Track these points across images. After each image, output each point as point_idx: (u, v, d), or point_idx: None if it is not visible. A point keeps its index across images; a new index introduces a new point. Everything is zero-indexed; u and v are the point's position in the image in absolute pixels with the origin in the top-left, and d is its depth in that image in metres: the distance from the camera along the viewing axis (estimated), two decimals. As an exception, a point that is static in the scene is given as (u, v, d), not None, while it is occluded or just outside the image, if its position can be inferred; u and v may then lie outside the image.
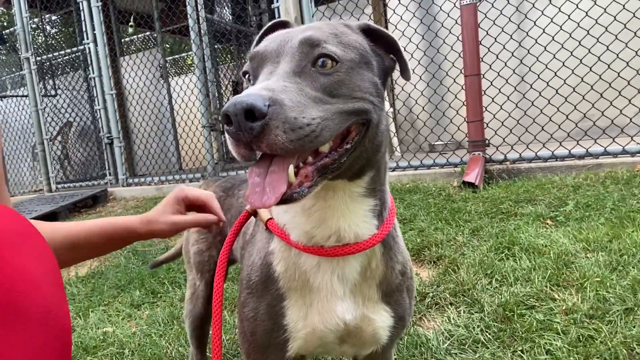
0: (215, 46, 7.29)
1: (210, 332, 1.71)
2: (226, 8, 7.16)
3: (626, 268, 1.99)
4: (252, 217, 1.08)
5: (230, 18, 7.24)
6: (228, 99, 7.84)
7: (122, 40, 8.36)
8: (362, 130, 0.80)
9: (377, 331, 0.97)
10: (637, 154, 3.55)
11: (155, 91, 7.18)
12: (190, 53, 10.67)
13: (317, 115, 0.69)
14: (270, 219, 0.95)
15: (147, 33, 9.09)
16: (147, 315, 2.36)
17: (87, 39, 5.90)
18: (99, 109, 6.08)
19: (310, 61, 0.76)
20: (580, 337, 1.59)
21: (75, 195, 5.86)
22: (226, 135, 0.69)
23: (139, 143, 6.93)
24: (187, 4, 5.40)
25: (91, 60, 5.97)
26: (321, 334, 0.92)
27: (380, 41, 0.88)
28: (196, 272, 1.53)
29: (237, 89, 8.21)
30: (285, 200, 0.69)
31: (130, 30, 7.08)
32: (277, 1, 4.76)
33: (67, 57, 7.45)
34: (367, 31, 0.88)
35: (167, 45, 11.68)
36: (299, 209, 0.88)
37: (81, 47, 6.42)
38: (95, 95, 6.10)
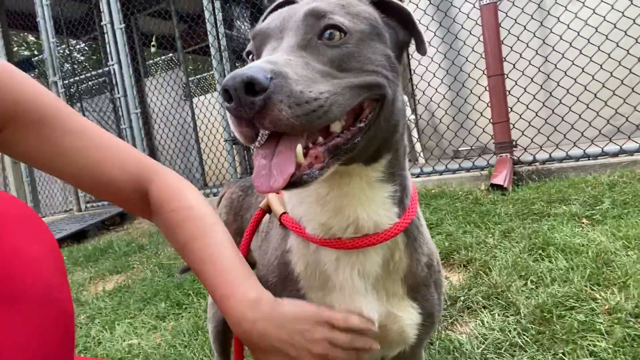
0: (236, 63, 7.39)
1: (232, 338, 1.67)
2: (245, 24, 7.26)
3: (672, 264, 1.86)
4: (267, 214, 1.03)
5: (247, 33, 7.33)
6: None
7: (146, 62, 8.57)
8: (376, 108, 0.75)
9: (404, 329, 0.90)
10: (676, 148, 3.38)
11: (179, 109, 7.30)
12: (212, 72, 10.88)
13: (325, 90, 0.64)
14: (284, 213, 0.90)
15: (170, 55, 9.31)
16: (171, 327, 2.33)
17: (112, 60, 6.06)
18: (125, 128, 6.20)
19: (316, 33, 0.71)
20: (626, 337, 1.48)
21: (104, 213, 5.97)
22: (227, 115, 0.64)
23: (164, 160, 7.03)
24: (206, 21, 5.49)
25: (116, 81, 6.11)
26: None
27: (393, 13, 0.83)
28: None
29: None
30: (294, 183, 0.64)
31: (153, 49, 7.24)
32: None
33: (93, 80, 7.66)
34: (377, 3, 0.83)
35: (190, 67, 11.92)
36: (313, 198, 0.83)
37: (106, 69, 6.59)
38: (121, 114, 6.23)
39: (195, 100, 8.04)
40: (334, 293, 0.86)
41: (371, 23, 0.77)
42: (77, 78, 7.47)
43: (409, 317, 0.91)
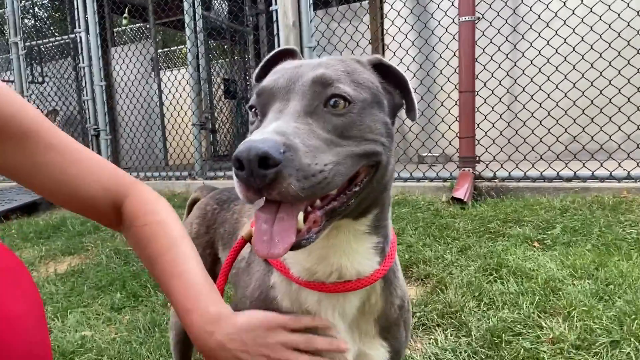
0: (209, 42, 7.23)
1: (195, 348, 1.67)
2: (223, 5, 7.09)
3: (612, 298, 2.01)
4: (248, 243, 1.04)
5: (226, 16, 7.17)
6: (220, 98, 7.78)
7: (114, 30, 8.22)
8: (371, 172, 0.78)
9: None
10: (624, 180, 3.61)
11: (145, 85, 7.07)
12: (182, 47, 10.56)
13: (329, 161, 0.67)
14: None
15: (139, 25, 8.97)
16: (127, 320, 2.30)
17: (79, 27, 5.79)
18: (87, 100, 5.96)
19: (322, 101, 0.73)
20: (567, 368, 1.59)
21: (57, 186, 5.73)
22: (234, 177, 0.65)
23: (126, 137, 6.82)
24: (184, 0, 5.33)
25: (82, 50, 5.85)
26: None
27: (391, 77, 0.86)
28: None
29: (228, 88, 8.15)
30: (293, 248, 0.66)
31: (124, 21, 6.95)
32: (276, 4, 4.73)
33: (56, 42, 7.29)
34: (377, 66, 0.85)
35: (159, 38, 11.54)
36: None
37: (72, 35, 6.29)
38: (83, 85, 5.98)
39: (163, 76, 7.82)
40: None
41: (373, 92, 0.79)
42: (39, 42, 7.08)
43: (378, 355, 0.95)
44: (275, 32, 4.81)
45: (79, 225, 4.22)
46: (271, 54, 0.93)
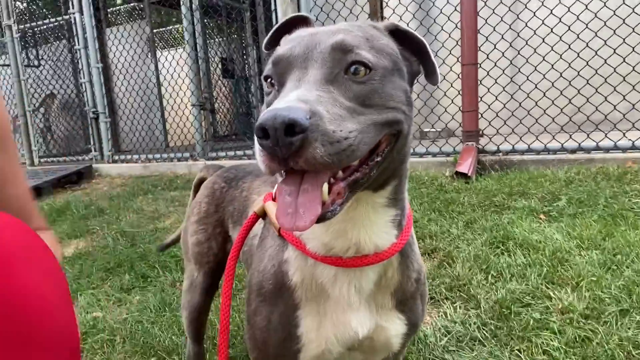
0: (205, 21, 7.11)
1: (211, 324, 1.68)
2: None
3: (620, 268, 2.01)
4: (261, 219, 1.03)
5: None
6: (219, 77, 7.70)
7: (108, 10, 8.08)
8: (392, 142, 0.76)
9: (389, 340, 0.95)
10: (629, 150, 3.59)
11: (143, 65, 6.98)
12: (178, 26, 10.39)
13: (353, 128, 0.65)
14: None
15: (134, 4, 8.80)
16: (137, 301, 2.32)
17: (73, 8, 5.68)
18: (84, 82, 5.90)
19: (342, 68, 0.71)
20: (577, 337, 1.61)
21: (60, 170, 5.73)
22: (257, 147, 0.63)
23: (125, 119, 6.77)
24: (178, -24, 5.22)
25: (76, 31, 5.76)
26: (333, 346, 0.90)
27: (408, 43, 0.84)
28: (194, 263, 1.48)
29: (226, 67, 8.05)
30: (318, 220, 0.65)
31: (119, 1, 6.82)
32: (273, -22, 4.63)
33: (50, 24, 7.17)
34: (394, 32, 0.83)
35: (155, 17, 11.33)
36: None
37: (66, 17, 6.18)
38: (80, 67, 5.91)
39: (160, 56, 7.71)
40: (328, 304, 0.89)
41: (393, 59, 0.77)
42: (33, 24, 6.97)
43: (395, 328, 0.95)
44: (272, 7, 4.72)
45: (84, 209, 4.22)
46: (283, 20, 0.90)
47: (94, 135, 6.26)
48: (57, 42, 7.55)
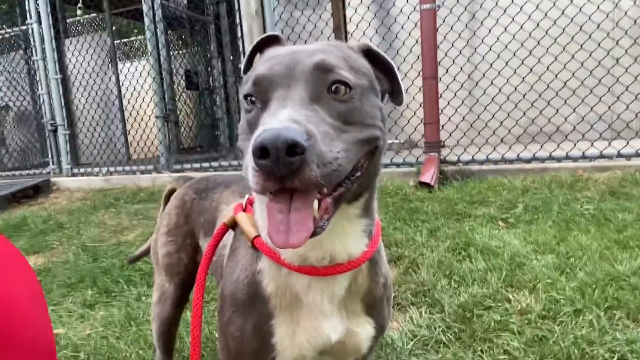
0: (169, 32, 7.06)
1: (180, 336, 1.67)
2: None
3: (574, 270, 2.13)
4: (230, 229, 1.04)
5: (185, 4, 7.00)
6: (183, 90, 7.62)
7: (67, 21, 7.88)
8: (369, 157, 0.80)
9: (360, 343, 0.98)
10: (580, 160, 3.79)
11: (104, 77, 6.84)
12: (140, 37, 10.25)
13: (341, 148, 0.68)
14: (257, 236, 0.92)
15: (94, 15, 8.63)
16: (101, 316, 2.26)
17: (30, 18, 5.53)
18: (42, 94, 5.73)
19: (325, 87, 0.74)
20: (535, 337, 1.69)
21: (15, 184, 5.51)
22: (250, 165, 0.64)
23: (85, 131, 6.59)
24: (141, -12, 5.18)
25: (34, 42, 5.60)
26: (307, 352, 0.92)
27: (379, 64, 0.88)
28: (165, 275, 1.48)
29: (191, 79, 7.98)
30: (311, 236, 0.68)
31: (79, 11, 6.68)
32: (238, -8, 4.67)
33: (6, 35, 6.93)
34: (366, 53, 0.87)
35: (115, 28, 11.15)
36: None
37: (23, 27, 6.01)
38: (38, 78, 5.74)
39: (121, 66, 7.58)
40: (301, 312, 0.91)
41: (369, 78, 0.81)
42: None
43: (365, 332, 0.98)
44: (237, 20, 4.76)
45: (42, 224, 4.08)
46: (256, 41, 0.92)
47: (52, 148, 6.07)
48: (13, 52, 7.31)
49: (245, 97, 0.78)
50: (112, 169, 5.79)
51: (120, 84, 7.23)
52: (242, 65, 0.89)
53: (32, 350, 0.53)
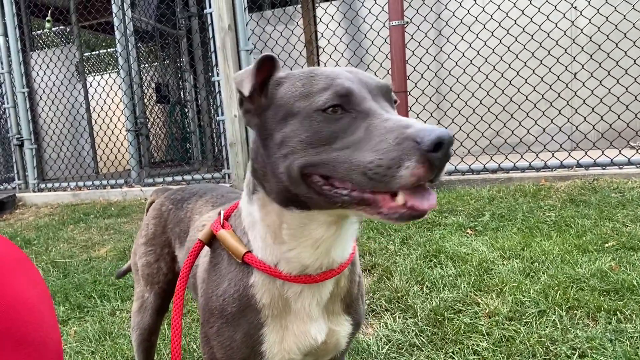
0: (139, 46, 7.02)
1: (159, 345, 1.67)
2: (152, 8, 6.91)
3: (537, 274, 2.24)
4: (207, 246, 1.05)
5: (157, 18, 6.99)
6: (155, 103, 7.57)
7: (34, 33, 7.74)
8: None
9: (339, 340, 1.03)
10: (542, 170, 3.97)
11: (73, 90, 6.73)
12: (110, 50, 10.14)
13: None
14: (248, 252, 0.95)
15: (62, 27, 8.50)
16: (75, 332, 2.24)
17: (-4, 31, 5.42)
18: (8, 108, 5.60)
19: (393, 104, 0.89)
20: (502, 337, 1.78)
21: (-22, 200, 5.34)
22: (413, 161, 0.70)
23: (53, 145, 6.45)
24: (112, 2, 5.16)
25: (0, 55, 5.48)
26: (295, 355, 0.96)
27: None
28: (145, 284, 1.49)
29: (161, 93, 7.94)
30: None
31: (47, 25, 6.58)
32: (210, 7, 4.72)
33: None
34: None
35: (83, 41, 10.99)
36: (308, 244, 0.90)
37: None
38: (3, 92, 5.61)
39: (90, 79, 7.47)
40: (289, 317, 0.95)
41: None
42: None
43: (344, 329, 1.04)
44: (210, 35, 4.80)
45: (8, 240, 3.97)
46: (258, 60, 0.89)
47: (17, 163, 5.92)
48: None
49: (329, 107, 0.80)
50: (80, 183, 5.68)
51: (90, 97, 7.13)
52: (247, 86, 0.86)
53: (43, 347, 0.56)
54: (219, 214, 1.04)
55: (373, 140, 0.74)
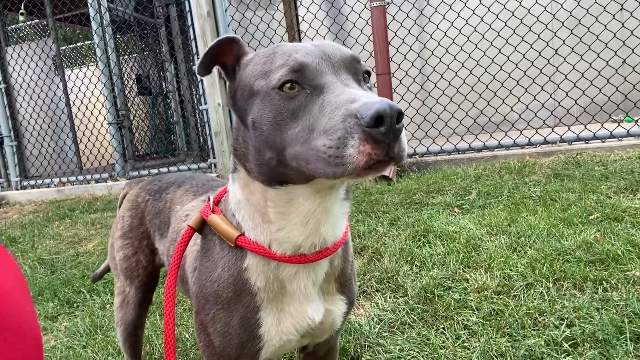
0: (118, 36, 6.88)
1: (145, 338, 1.67)
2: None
3: (524, 248, 2.27)
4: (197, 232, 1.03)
5: (134, 7, 6.85)
6: (136, 94, 7.45)
7: (8, 28, 7.53)
8: None
9: (335, 320, 1.03)
10: (526, 147, 4.01)
11: (52, 84, 6.59)
12: (87, 42, 9.92)
13: None
14: (241, 235, 0.93)
15: (38, 21, 8.29)
16: (65, 327, 2.22)
17: (-33, 25, 5.27)
18: (-15, 105, 5.47)
19: (360, 75, 0.83)
20: (492, 311, 1.80)
21: (-41, 201, 5.23)
22: (356, 139, 0.67)
23: (34, 141, 6.34)
24: (87, -8, 5.04)
25: (-27, 50, 5.34)
26: (293, 336, 0.96)
27: None
28: (124, 279, 1.47)
29: (142, 84, 7.82)
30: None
31: (21, 18, 6.40)
32: (188, -6, 4.63)
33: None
34: None
35: (60, 34, 10.74)
36: (297, 221, 0.88)
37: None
38: (-21, 88, 5.48)
39: (69, 73, 7.32)
40: (285, 299, 0.95)
41: None
42: None
43: (339, 309, 1.04)
44: (189, 22, 4.71)
45: (-8, 239, 3.91)
46: (213, 43, 0.90)
47: (-2, 161, 5.81)
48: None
49: (285, 83, 0.77)
50: (64, 179, 5.60)
51: (69, 91, 6.99)
52: (199, 67, 0.89)
53: (19, 332, 0.55)
54: (209, 199, 1.03)
55: (324, 118, 0.71)
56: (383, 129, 0.65)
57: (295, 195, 0.86)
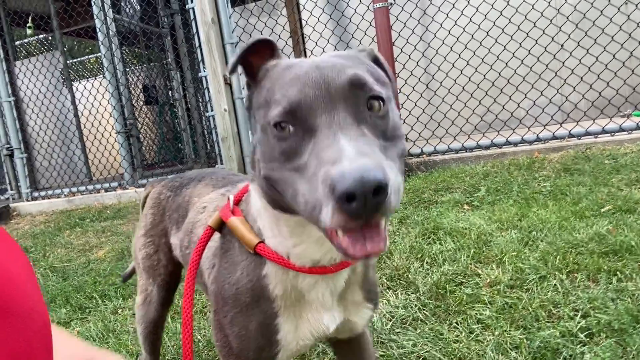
0: (123, 47, 6.95)
1: (166, 336, 1.67)
2: (134, 8, 6.85)
3: (536, 242, 2.24)
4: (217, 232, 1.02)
5: (139, 17, 6.92)
6: (144, 103, 7.51)
7: (17, 43, 7.64)
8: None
9: (355, 327, 1.02)
10: (534, 143, 3.98)
11: (60, 96, 6.67)
12: (93, 55, 10.04)
13: (396, 170, 0.66)
14: (261, 242, 0.91)
15: (44, 35, 8.41)
16: (78, 332, 2.22)
17: (-23, 40, 5.35)
18: (-5, 118, 5.54)
19: (363, 104, 0.70)
20: (505, 305, 1.78)
21: (-28, 213, 5.30)
22: (330, 208, 0.60)
23: (44, 153, 6.40)
24: (92, 3, 5.10)
25: (-18, 64, 5.42)
26: (308, 341, 0.95)
27: (381, 69, 0.84)
28: (147, 277, 1.48)
29: (149, 94, 7.88)
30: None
31: (29, 31, 6.49)
32: (192, 2, 4.67)
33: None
34: (374, 59, 0.85)
35: (66, 48, 10.88)
36: (313, 239, 0.85)
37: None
38: (-11, 102, 5.55)
39: (77, 85, 7.40)
40: (304, 306, 0.94)
41: (388, 87, 0.78)
42: None
43: (362, 318, 1.02)
44: (194, 30, 4.75)
45: (5, 250, 3.94)
46: (246, 46, 0.83)
47: (8, 173, 5.87)
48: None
49: (276, 124, 0.71)
50: (74, 189, 5.65)
51: (77, 102, 7.07)
52: (229, 66, 0.82)
53: (29, 317, 0.56)
54: (228, 198, 1.00)
55: (310, 170, 0.65)
56: (355, 206, 0.57)
57: (305, 222, 0.80)
